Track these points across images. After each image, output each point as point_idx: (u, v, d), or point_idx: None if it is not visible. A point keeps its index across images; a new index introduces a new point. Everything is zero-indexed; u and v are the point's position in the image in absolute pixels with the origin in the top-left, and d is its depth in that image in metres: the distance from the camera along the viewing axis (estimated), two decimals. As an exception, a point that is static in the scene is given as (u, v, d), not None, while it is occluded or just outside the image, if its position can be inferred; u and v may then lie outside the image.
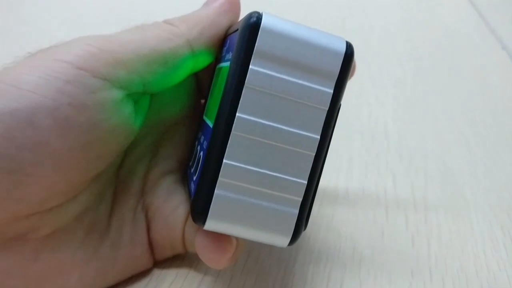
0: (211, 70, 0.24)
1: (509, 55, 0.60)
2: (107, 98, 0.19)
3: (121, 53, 0.20)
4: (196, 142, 0.23)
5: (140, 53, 0.20)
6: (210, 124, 0.20)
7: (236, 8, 0.23)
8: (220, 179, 0.19)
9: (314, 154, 0.19)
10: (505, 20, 0.73)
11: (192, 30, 0.22)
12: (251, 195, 0.19)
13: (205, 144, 0.20)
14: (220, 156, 0.19)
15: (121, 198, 0.24)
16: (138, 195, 0.24)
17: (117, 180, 0.24)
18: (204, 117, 0.23)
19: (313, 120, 0.19)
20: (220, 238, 0.21)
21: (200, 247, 0.21)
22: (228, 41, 0.21)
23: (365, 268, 0.27)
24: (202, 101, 0.27)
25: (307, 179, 0.19)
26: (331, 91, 0.19)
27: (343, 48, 0.19)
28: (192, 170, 0.22)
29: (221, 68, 0.21)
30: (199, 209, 0.19)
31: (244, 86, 0.18)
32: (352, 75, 0.23)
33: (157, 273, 0.25)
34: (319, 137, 0.19)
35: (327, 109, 0.19)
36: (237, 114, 0.18)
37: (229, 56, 0.20)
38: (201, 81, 0.26)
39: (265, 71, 0.18)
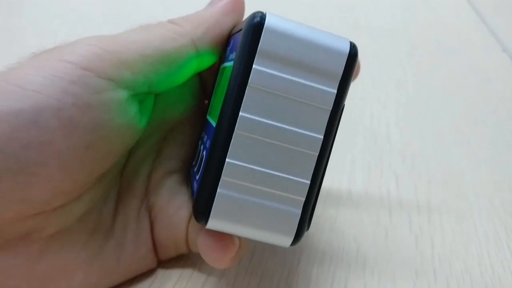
0: (215, 70, 0.24)
1: (510, 57, 0.60)
2: (112, 98, 0.19)
3: (126, 53, 0.20)
4: (200, 142, 0.23)
5: (144, 53, 0.20)
6: (213, 123, 0.20)
7: (240, 8, 0.23)
8: (222, 178, 0.19)
9: (317, 154, 0.19)
10: (506, 22, 0.73)
11: (197, 30, 0.22)
12: (254, 195, 0.19)
13: (208, 144, 0.20)
14: (223, 155, 0.19)
15: (125, 198, 0.24)
16: (142, 195, 0.24)
17: (121, 180, 0.24)
18: (208, 117, 0.23)
19: (316, 120, 0.19)
20: (222, 238, 0.21)
21: (203, 246, 0.21)
22: (232, 41, 0.22)
23: (369, 268, 0.27)
24: (206, 101, 0.27)
25: (310, 179, 0.19)
26: (335, 91, 0.19)
27: (347, 48, 0.19)
28: (195, 169, 0.22)
29: (224, 68, 0.21)
30: (202, 208, 0.19)
31: (248, 86, 0.18)
32: (356, 76, 0.23)
33: (161, 273, 0.25)
34: (322, 137, 0.19)
35: (331, 109, 0.19)
36: (240, 113, 0.18)
37: (233, 56, 0.20)
38: (205, 81, 0.26)
39: (268, 70, 0.18)
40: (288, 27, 0.19)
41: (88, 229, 0.22)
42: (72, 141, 0.18)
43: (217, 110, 0.20)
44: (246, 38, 0.19)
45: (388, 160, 0.37)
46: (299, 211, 0.19)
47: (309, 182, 0.19)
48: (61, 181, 0.19)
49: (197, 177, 0.21)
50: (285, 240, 0.20)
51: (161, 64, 0.20)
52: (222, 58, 0.23)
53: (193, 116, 0.26)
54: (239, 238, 0.21)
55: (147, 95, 0.22)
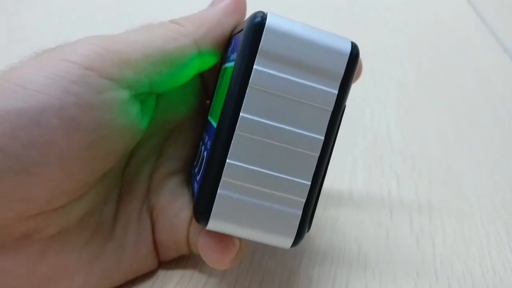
0: (216, 70, 0.24)
1: (511, 57, 0.60)
2: (114, 98, 0.19)
3: (128, 53, 0.20)
4: (201, 142, 0.23)
5: (146, 53, 0.20)
6: (214, 124, 0.20)
7: (242, 8, 0.23)
8: (223, 179, 0.19)
9: (318, 155, 0.19)
10: (506, 23, 0.73)
11: (199, 30, 0.22)
12: (254, 196, 0.19)
13: (209, 144, 0.20)
14: (223, 156, 0.19)
15: (127, 198, 0.24)
16: (143, 196, 0.24)
17: (123, 181, 0.24)
18: (209, 117, 0.23)
19: (317, 121, 0.19)
20: (222, 239, 0.21)
21: (203, 247, 0.21)
22: (233, 42, 0.21)
23: (370, 269, 0.27)
24: (208, 102, 0.27)
25: (311, 180, 0.19)
26: (336, 91, 0.19)
27: (348, 48, 0.19)
28: (196, 170, 0.22)
29: (226, 68, 0.21)
30: (202, 209, 0.19)
31: (248, 86, 0.18)
32: (357, 77, 0.23)
33: (162, 274, 0.25)
34: (323, 138, 0.19)
35: (332, 109, 0.19)
36: (240, 114, 0.18)
37: (234, 56, 0.20)
38: (207, 82, 0.26)
39: (269, 71, 0.18)
40: (289, 27, 0.18)
41: (89, 229, 0.22)
42: (73, 140, 0.18)
43: (218, 111, 0.20)
44: (247, 38, 0.18)
45: (389, 160, 0.37)
46: (300, 212, 0.19)
47: (309, 183, 0.19)
48: (62, 181, 0.19)
49: (197, 178, 0.21)
50: (285, 242, 0.20)
51: (163, 64, 0.20)
52: (224, 58, 0.23)
53: (195, 117, 0.26)
54: (240, 239, 0.21)
55: (149, 96, 0.22)
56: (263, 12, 0.19)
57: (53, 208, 0.19)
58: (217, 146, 0.19)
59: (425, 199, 0.33)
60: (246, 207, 0.19)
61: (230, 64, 0.20)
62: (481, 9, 0.78)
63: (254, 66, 0.18)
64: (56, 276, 0.21)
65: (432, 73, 0.55)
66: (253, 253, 0.27)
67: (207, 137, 0.22)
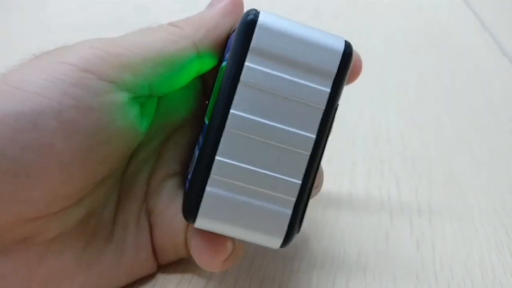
0: (216, 72, 0.24)
1: (510, 60, 0.60)
2: (113, 101, 0.19)
3: (127, 56, 0.20)
4: (196, 143, 0.23)
5: (146, 56, 0.20)
6: (207, 122, 0.20)
7: (240, 9, 0.23)
8: (212, 176, 0.18)
9: (309, 153, 0.19)
10: (506, 27, 0.73)
11: (198, 32, 0.21)
12: (244, 193, 0.19)
13: (201, 143, 0.20)
14: (212, 152, 0.18)
15: (125, 201, 0.23)
16: (141, 199, 0.24)
17: (122, 183, 0.24)
18: (205, 118, 0.23)
19: (309, 119, 0.19)
20: (214, 241, 0.21)
21: (194, 249, 0.21)
22: (229, 41, 0.21)
23: (370, 272, 0.27)
24: (207, 103, 0.27)
25: (301, 179, 0.19)
26: (328, 90, 0.19)
27: (341, 46, 0.19)
28: (189, 169, 0.22)
29: (221, 67, 0.21)
30: (190, 206, 0.19)
31: (239, 83, 0.18)
32: (357, 75, 0.23)
33: (161, 277, 0.25)
34: (315, 136, 0.19)
35: (324, 108, 0.19)
36: (231, 110, 0.18)
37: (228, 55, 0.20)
38: (207, 84, 0.26)
39: (261, 68, 0.18)
40: (281, 25, 0.18)
41: (88, 233, 0.22)
42: (72, 143, 0.18)
43: (211, 109, 0.20)
44: (239, 35, 0.18)
45: (388, 163, 0.37)
46: (290, 212, 0.19)
47: (300, 182, 0.19)
48: (62, 185, 0.19)
49: (189, 177, 0.21)
50: (274, 242, 0.20)
51: (162, 67, 0.20)
52: (221, 59, 0.23)
53: (195, 119, 0.26)
54: (234, 242, 0.21)
55: (148, 98, 0.22)
56: (255, 10, 0.19)
57: (52, 211, 0.19)
58: (207, 143, 0.19)
59: (425, 202, 0.33)
60: (235, 205, 0.19)
61: (225, 63, 0.20)
62: (481, 13, 0.78)
63: (246, 63, 0.18)
64: (56, 279, 0.21)
65: (431, 76, 0.55)
66: (253, 256, 0.27)
67: (201, 137, 0.21)
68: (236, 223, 0.19)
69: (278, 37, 0.18)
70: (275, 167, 0.19)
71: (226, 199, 0.19)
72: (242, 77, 0.18)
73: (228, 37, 0.23)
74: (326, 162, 0.25)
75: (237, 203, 0.19)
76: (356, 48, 0.20)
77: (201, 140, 0.21)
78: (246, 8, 0.23)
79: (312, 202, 0.29)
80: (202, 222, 0.19)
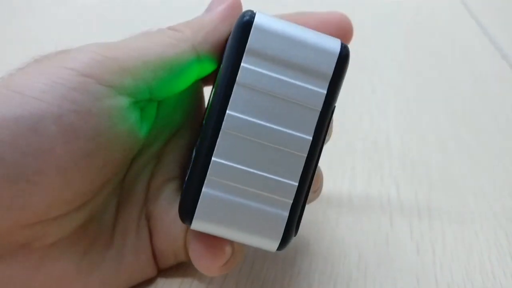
0: (215, 75, 0.24)
1: (509, 64, 0.60)
2: (113, 106, 0.19)
3: (127, 60, 0.20)
4: (194, 145, 0.23)
5: (145, 60, 0.20)
6: (204, 123, 0.20)
7: (238, 12, 0.23)
8: (208, 177, 0.18)
9: (306, 155, 0.19)
10: (505, 30, 0.73)
11: (197, 35, 0.21)
12: (240, 195, 0.19)
13: (197, 143, 0.20)
14: (209, 153, 0.18)
15: (125, 206, 0.23)
16: (141, 203, 0.24)
17: (122, 188, 0.24)
18: (203, 121, 0.23)
19: (305, 121, 0.19)
20: (212, 245, 0.21)
21: (193, 253, 0.21)
22: (227, 44, 0.22)
23: (370, 275, 0.27)
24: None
25: (298, 181, 0.19)
26: (325, 91, 0.19)
27: (337, 48, 0.19)
28: (186, 171, 0.22)
29: (220, 70, 0.21)
30: (186, 207, 0.19)
31: (235, 84, 0.18)
32: (349, 38, 0.23)
33: (161, 281, 0.24)
34: (311, 138, 0.19)
35: (320, 110, 0.19)
36: (227, 111, 0.18)
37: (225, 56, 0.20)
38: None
39: (257, 69, 0.18)
40: (278, 26, 0.18)
41: (88, 238, 0.22)
42: (72, 148, 0.18)
43: (208, 111, 0.20)
44: (235, 36, 0.18)
45: (388, 166, 0.37)
46: (286, 214, 0.19)
47: (297, 184, 0.19)
48: (61, 190, 0.19)
49: (186, 178, 0.21)
50: (271, 244, 0.19)
51: (162, 70, 0.20)
52: (220, 62, 0.23)
53: (195, 122, 0.26)
54: (233, 247, 0.21)
55: (148, 103, 0.22)
56: (251, 11, 0.19)
57: (52, 216, 0.19)
58: (203, 144, 0.19)
59: (425, 205, 0.33)
60: (231, 207, 0.19)
61: (222, 65, 0.20)
62: (480, 16, 0.78)
63: (242, 64, 0.18)
64: (55, 284, 0.21)
65: (431, 79, 0.55)
66: (254, 260, 0.27)
67: (199, 139, 0.22)
68: (232, 225, 0.19)
69: (274, 38, 0.18)
70: (271, 169, 0.19)
71: (222, 200, 0.19)
72: (238, 78, 0.18)
73: (226, 40, 0.23)
74: (326, 166, 0.25)
75: (233, 204, 0.19)
76: (354, 50, 0.20)
77: (198, 141, 0.21)
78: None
79: (312, 206, 0.30)
80: (198, 224, 0.19)
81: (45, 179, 0.18)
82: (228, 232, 0.19)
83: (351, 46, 0.20)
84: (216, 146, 0.18)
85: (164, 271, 0.25)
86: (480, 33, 0.71)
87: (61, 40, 0.49)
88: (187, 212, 0.19)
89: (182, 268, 0.25)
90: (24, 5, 0.63)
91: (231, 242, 0.21)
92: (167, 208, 0.24)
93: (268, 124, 0.19)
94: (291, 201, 0.19)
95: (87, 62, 0.19)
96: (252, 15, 0.18)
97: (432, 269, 0.28)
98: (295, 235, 0.20)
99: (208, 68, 0.23)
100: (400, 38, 0.67)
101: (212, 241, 0.21)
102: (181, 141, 0.25)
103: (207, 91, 0.26)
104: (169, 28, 0.22)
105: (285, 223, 0.19)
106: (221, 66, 0.20)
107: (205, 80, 0.25)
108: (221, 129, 0.18)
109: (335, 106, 0.20)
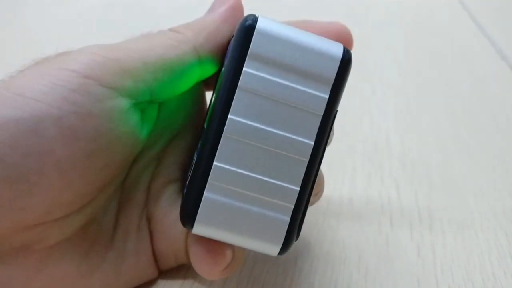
0: (216, 77, 0.24)
1: (509, 65, 0.60)
2: (113, 107, 0.19)
3: (128, 62, 0.20)
4: (195, 149, 0.23)
5: (146, 61, 0.20)
6: (206, 127, 0.20)
7: (240, 14, 0.23)
8: (209, 181, 0.18)
9: (307, 160, 0.19)
10: (504, 31, 0.73)
11: (198, 37, 0.21)
12: (242, 200, 0.19)
13: (199, 147, 0.20)
14: (210, 158, 0.18)
15: (126, 208, 0.23)
16: (142, 205, 0.24)
17: (123, 190, 0.24)
18: (205, 124, 0.23)
19: (307, 126, 0.19)
20: (213, 249, 0.21)
21: (194, 257, 0.21)
22: (229, 47, 0.21)
23: (371, 277, 0.27)
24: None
25: (299, 186, 0.19)
26: (327, 96, 0.19)
27: (340, 53, 0.19)
28: (187, 175, 0.22)
29: (221, 73, 0.21)
30: (188, 211, 0.19)
31: (237, 88, 0.18)
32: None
33: (162, 283, 0.24)
34: (313, 143, 0.19)
35: (322, 114, 0.19)
36: (229, 116, 0.18)
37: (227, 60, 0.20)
38: (208, 90, 0.26)
39: (259, 73, 0.18)
40: (280, 30, 0.18)
41: (89, 240, 0.22)
42: (72, 150, 0.18)
43: (209, 114, 0.20)
44: (237, 41, 0.18)
45: (388, 167, 0.37)
46: (288, 219, 0.19)
47: (298, 188, 0.19)
48: (61, 192, 0.19)
49: (187, 182, 0.21)
50: (272, 249, 0.19)
51: (163, 72, 0.20)
52: (222, 64, 0.23)
53: (196, 124, 0.26)
54: (233, 251, 0.21)
55: (149, 104, 0.22)
56: (254, 15, 0.19)
57: (52, 218, 0.19)
58: (205, 148, 0.19)
59: (425, 207, 0.33)
60: (233, 211, 0.19)
61: (224, 69, 0.20)
62: (479, 18, 0.78)
63: (244, 68, 0.18)
64: (56, 286, 0.21)
65: (430, 80, 0.55)
66: (254, 262, 0.27)
67: (200, 142, 0.22)
68: (234, 229, 0.19)
69: (276, 42, 0.18)
70: (273, 173, 0.19)
71: (224, 205, 0.19)
72: (240, 83, 0.18)
73: (228, 42, 0.23)
74: (327, 168, 0.25)
75: (235, 209, 0.19)
76: (354, 51, 0.20)
77: (199, 145, 0.20)
78: (246, 13, 0.23)
79: (313, 208, 0.29)
80: (199, 228, 0.19)
81: (45, 181, 0.18)
82: (230, 236, 0.19)
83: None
84: (217, 150, 0.18)
85: (165, 273, 0.25)
86: (479, 33, 0.71)
87: (61, 41, 0.49)
88: (188, 216, 0.19)
89: (183, 269, 0.25)
90: (24, 5, 0.63)
91: (232, 246, 0.21)
92: (168, 210, 0.24)
93: (270, 129, 0.19)
94: (293, 206, 0.19)
95: (88, 63, 0.19)
96: (254, 19, 0.18)
97: (433, 270, 0.28)
98: (296, 239, 0.20)
99: (209, 70, 0.23)
100: (399, 38, 0.67)
101: (213, 245, 0.21)
102: (182, 143, 0.25)
103: (208, 92, 0.26)
104: (170, 29, 0.22)
105: (286, 228, 0.19)
106: (223, 70, 0.20)
107: (206, 84, 0.25)
108: (222, 134, 0.18)
109: (337, 111, 0.20)
